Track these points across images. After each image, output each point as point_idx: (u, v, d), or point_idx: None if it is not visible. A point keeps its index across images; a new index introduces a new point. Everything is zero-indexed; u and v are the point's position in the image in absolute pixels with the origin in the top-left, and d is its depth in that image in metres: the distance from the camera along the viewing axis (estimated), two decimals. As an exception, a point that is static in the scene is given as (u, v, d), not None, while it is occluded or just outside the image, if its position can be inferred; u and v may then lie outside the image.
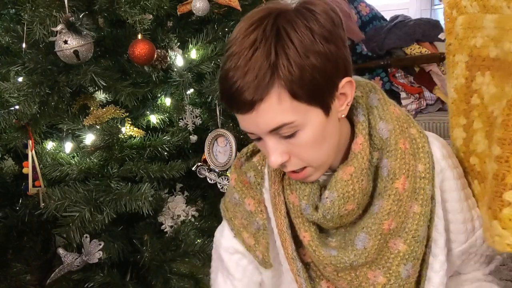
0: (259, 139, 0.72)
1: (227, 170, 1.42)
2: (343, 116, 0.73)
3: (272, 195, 0.83)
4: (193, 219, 1.48)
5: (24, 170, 1.34)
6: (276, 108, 0.65)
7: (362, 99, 0.78)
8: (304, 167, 0.73)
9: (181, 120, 1.46)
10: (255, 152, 0.91)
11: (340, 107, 0.71)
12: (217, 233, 0.98)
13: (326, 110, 0.69)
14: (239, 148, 1.41)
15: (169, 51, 1.39)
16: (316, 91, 0.66)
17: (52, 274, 1.30)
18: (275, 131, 0.67)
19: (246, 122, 0.69)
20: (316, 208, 0.77)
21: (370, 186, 0.76)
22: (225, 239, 0.94)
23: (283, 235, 0.82)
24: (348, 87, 0.70)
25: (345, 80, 0.69)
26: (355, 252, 0.76)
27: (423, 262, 0.80)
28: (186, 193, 1.52)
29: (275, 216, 0.84)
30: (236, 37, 0.66)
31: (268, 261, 0.87)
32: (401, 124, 0.77)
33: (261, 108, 0.65)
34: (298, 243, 0.83)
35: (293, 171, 0.74)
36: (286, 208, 0.82)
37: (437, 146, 0.79)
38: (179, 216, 1.46)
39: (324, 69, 0.65)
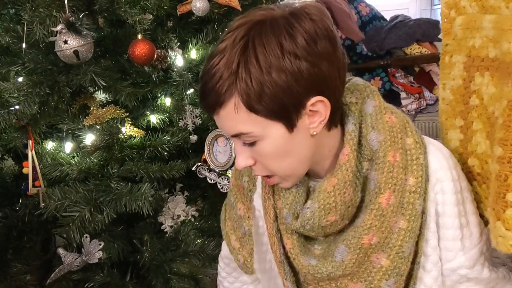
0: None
1: (227, 170, 1.42)
2: (314, 133, 0.70)
3: (263, 198, 0.83)
4: (193, 219, 1.48)
5: (24, 170, 1.34)
6: (233, 117, 0.66)
7: (355, 106, 0.75)
8: (271, 175, 0.74)
9: (181, 120, 1.46)
10: None
11: (311, 124, 0.69)
12: None
13: (290, 126, 0.67)
14: (239, 148, 1.41)
15: (169, 51, 1.39)
16: (276, 108, 0.65)
17: (52, 274, 1.31)
18: (236, 136, 0.69)
19: (216, 122, 0.71)
20: (297, 218, 0.76)
21: (357, 197, 0.75)
22: (224, 246, 0.99)
23: (272, 238, 0.82)
24: (320, 106, 0.67)
25: (315, 99, 0.66)
26: (333, 264, 0.74)
27: (410, 278, 0.78)
28: (186, 193, 1.52)
29: (265, 219, 0.84)
30: (221, 36, 0.68)
31: (250, 267, 0.88)
32: (395, 135, 0.74)
33: (220, 114, 0.67)
34: None
35: (264, 176, 0.76)
36: (275, 213, 0.82)
37: (437, 156, 0.76)
38: (179, 216, 1.46)
39: (289, 87, 0.64)
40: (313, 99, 0.66)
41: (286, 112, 0.66)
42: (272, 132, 0.67)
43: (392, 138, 0.73)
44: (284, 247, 0.81)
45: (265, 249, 0.89)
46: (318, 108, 0.67)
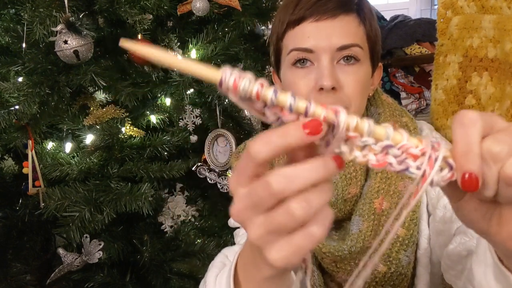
0: (304, 63, 0.72)
1: (227, 170, 1.42)
2: (370, 94, 0.79)
3: None
4: (193, 219, 1.48)
5: (24, 170, 1.34)
6: (355, 28, 0.71)
7: None
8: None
9: (181, 120, 1.45)
10: None
11: (371, 85, 0.78)
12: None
13: (372, 72, 0.76)
14: (239, 148, 1.40)
15: (169, 51, 1.39)
16: (374, 49, 0.74)
17: (52, 274, 1.31)
18: (343, 50, 0.70)
19: (319, 32, 0.69)
20: None
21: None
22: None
23: None
24: (378, 72, 0.79)
25: (381, 63, 0.78)
26: (351, 238, 0.74)
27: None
28: (186, 193, 1.51)
29: None
30: None
31: None
32: (392, 110, 0.80)
33: (344, 20, 0.70)
34: None
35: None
36: None
37: (428, 128, 0.82)
38: (179, 216, 1.46)
39: (379, 40, 0.75)
40: (380, 63, 0.78)
41: (375, 58, 0.75)
42: (367, 65, 0.73)
43: (391, 111, 0.80)
44: None
45: None
46: (376, 74, 0.78)
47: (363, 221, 0.74)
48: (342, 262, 0.78)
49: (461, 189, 0.35)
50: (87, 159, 1.34)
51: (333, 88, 0.68)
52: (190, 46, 1.45)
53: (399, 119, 0.80)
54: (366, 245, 0.74)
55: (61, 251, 1.31)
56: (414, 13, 3.64)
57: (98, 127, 1.32)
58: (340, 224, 0.80)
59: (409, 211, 0.70)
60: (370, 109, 0.81)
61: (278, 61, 0.78)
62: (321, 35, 0.69)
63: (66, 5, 1.17)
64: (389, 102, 0.83)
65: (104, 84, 1.25)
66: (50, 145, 1.39)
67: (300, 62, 0.71)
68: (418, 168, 0.36)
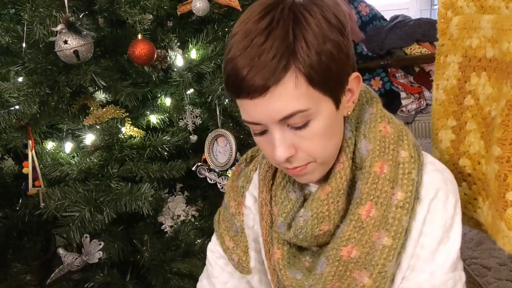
0: (263, 133, 0.67)
1: (227, 170, 1.42)
2: (349, 113, 0.70)
3: (260, 204, 0.81)
4: (193, 219, 1.48)
5: (24, 170, 1.34)
6: (291, 93, 0.61)
7: (353, 112, 0.73)
8: (308, 163, 0.68)
9: (181, 120, 1.46)
10: (253, 158, 0.91)
11: (347, 103, 0.69)
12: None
13: (337, 102, 0.66)
14: (239, 148, 1.41)
15: (169, 51, 1.39)
16: (330, 80, 0.63)
17: (52, 274, 1.31)
18: (286, 119, 0.63)
19: (256, 109, 0.63)
20: (290, 227, 0.73)
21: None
22: (212, 242, 0.96)
23: (267, 245, 0.81)
24: (355, 83, 0.68)
25: (354, 74, 0.67)
26: (313, 277, 0.72)
27: None
28: (186, 193, 1.52)
29: (261, 226, 0.82)
30: (248, 18, 0.64)
31: (245, 266, 0.86)
32: (386, 145, 0.70)
33: (276, 92, 0.61)
34: None
35: (296, 168, 0.68)
36: (272, 219, 0.79)
37: (434, 178, 0.71)
38: (179, 216, 1.46)
39: (339, 59, 0.63)
40: (353, 75, 0.67)
41: (335, 86, 0.65)
42: (324, 108, 0.64)
43: (382, 148, 0.70)
44: None
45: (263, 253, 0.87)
46: (353, 85, 0.68)
47: (326, 265, 0.71)
48: None
49: None
50: (87, 159, 1.34)
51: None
52: (190, 46, 1.45)
53: (392, 156, 0.69)
54: (327, 286, 0.72)
55: (61, 251, 1.31)
56: (414, 13, 3.64)
57: (98, 127, 1.32)
58: (318, 249, 0.77)
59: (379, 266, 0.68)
60: (361, 142, 0.71)
61: None
62: (259, 111, 0.63)
63: (66, 5, 1.17)
64: (385, 133, 0.71)
65: (104, 84, 1.25)
66: (50, 145, 1.39)
67: (257, 129, 0.67)
68: None
